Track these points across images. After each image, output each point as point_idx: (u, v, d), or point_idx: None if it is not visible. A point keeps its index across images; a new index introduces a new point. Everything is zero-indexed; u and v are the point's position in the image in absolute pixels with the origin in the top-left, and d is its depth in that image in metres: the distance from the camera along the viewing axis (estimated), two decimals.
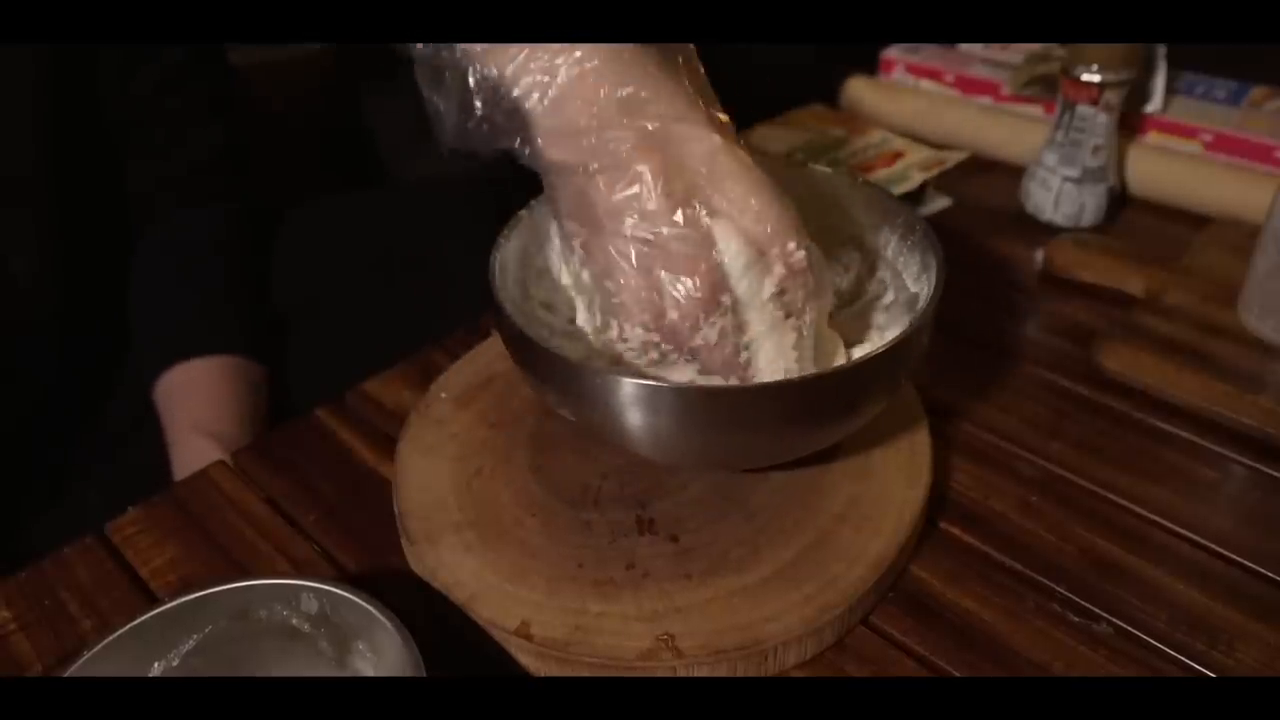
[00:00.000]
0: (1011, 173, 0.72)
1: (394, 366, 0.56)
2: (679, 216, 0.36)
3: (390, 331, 0.61)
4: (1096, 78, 0.62)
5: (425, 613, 0.39)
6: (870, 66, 0.84)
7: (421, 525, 0.43)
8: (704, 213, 0.36)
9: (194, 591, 0.35)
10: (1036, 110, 0.76)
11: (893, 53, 0.83)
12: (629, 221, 0.36)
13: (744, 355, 0.38)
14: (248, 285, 0.71)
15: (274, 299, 0.72)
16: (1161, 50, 0.69)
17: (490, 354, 0.53)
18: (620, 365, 0.40)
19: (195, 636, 0.35)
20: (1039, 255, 0.65)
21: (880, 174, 0.68)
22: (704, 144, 0.36)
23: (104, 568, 0.45)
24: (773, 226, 0.37)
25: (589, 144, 0.35)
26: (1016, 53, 0.79)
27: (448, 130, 0.37)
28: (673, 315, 0.37)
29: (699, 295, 0.36)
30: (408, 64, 0.38)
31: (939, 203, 0.70)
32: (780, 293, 0.37)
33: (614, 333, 0.39)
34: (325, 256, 0.75)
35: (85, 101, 0.64)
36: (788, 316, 0.38)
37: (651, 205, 0.35)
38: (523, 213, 0.45)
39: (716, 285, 0.36)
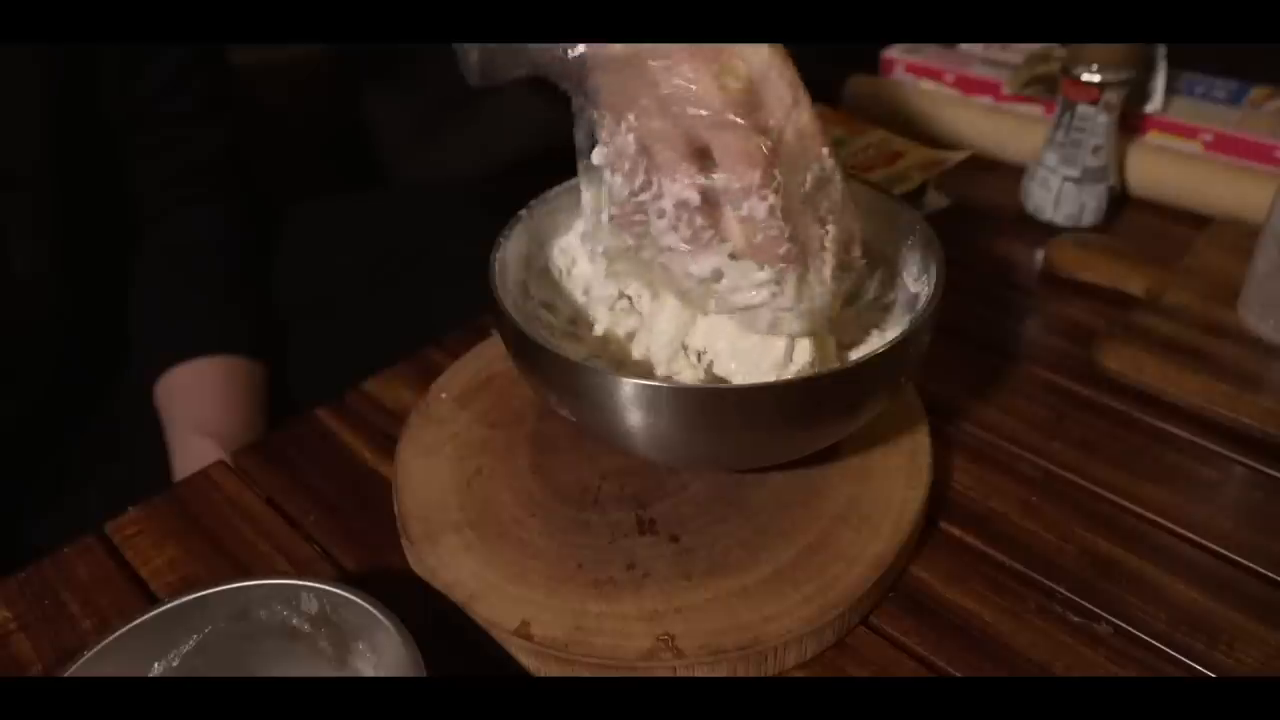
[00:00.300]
0: (1011, 173, 0.72)
1: (394, 366, 0.56)
2: (733, 92, 0.36)
3: (390, 331, 0.61)
4: (1096, 78, 0.62)
5: (425, 613, 0.39)
6: (870, 66, 0.84)
7: (421, 525, 0.43)
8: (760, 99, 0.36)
9: (194, 591, 0.35)
10: (1036, 110, 0.75)
11: (893, 53, 0.83)
12: (687, 98, 0.36)
13: (785, 248, 0.37)
14: (248, 285, 0.71)
15: (274, 299, 0.73)
16: (1161, 50, 0.69)
17: (490, 354, 0.53)
18: (643, 242, 0.39)
19: (195, 636, 0.35)
20: (1039, 255, 0.65)
21: (880, 174, 0.68)
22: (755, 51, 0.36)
23: (104, 568, 0.45)
24: (812, 131, 0.37)
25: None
26: (1016, 53, 0.79)
27: (475, 65, 0.37)
28: (723, 175, 0.36)
29: (759, 158, 0.36)
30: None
31: (939, 203, 0.70)
32: (815, 192, 0.38)
33: (650, 192, 0.37)
34: (325, 256, 0.75)
35: (88, 101, 0.64)
36: (823, 225, 0.38)
37: (704, 88, 0.35)
38: (522, 213, 0.45)
39: (772, 158, 0.36)
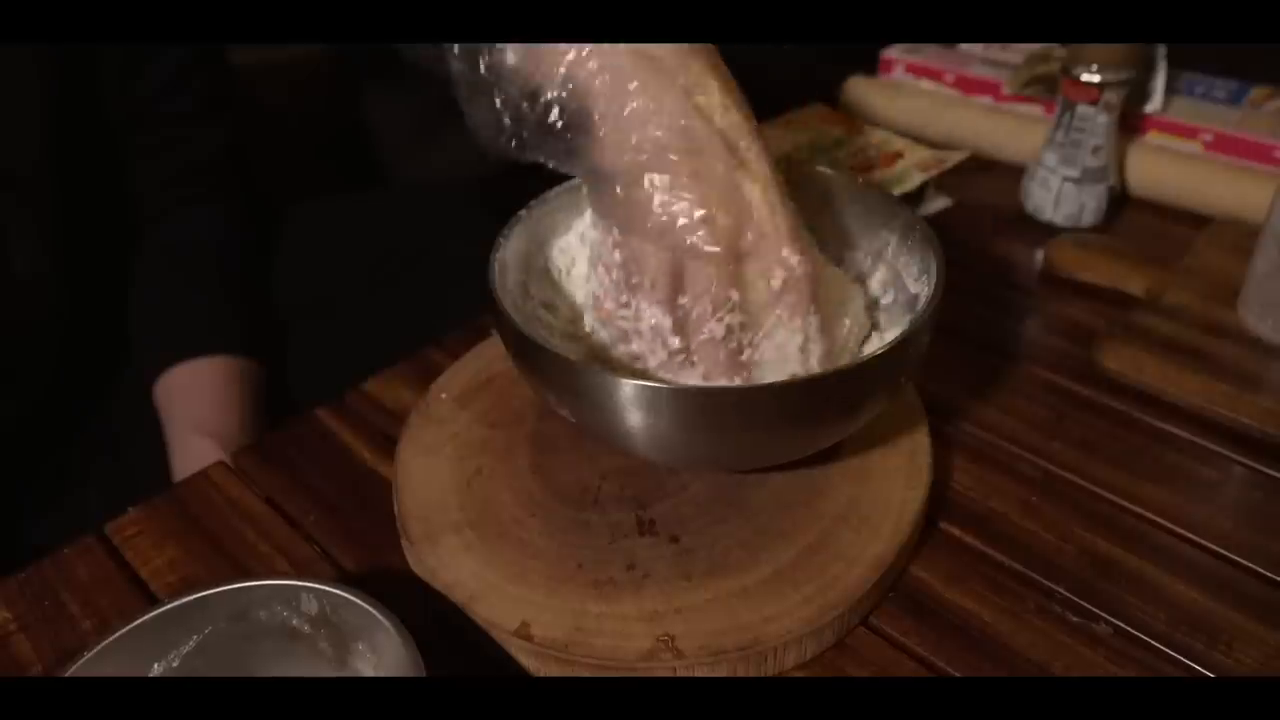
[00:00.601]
0: (1011, 173, 0.72)
1: (394, 366, 0.56)
2: (706, 217, 0.37)
3: (390, 331, 0.61)
4: (1096, 78, 0.62)
5: (425, 613, 0.39)
6: (870, 66, 0.84)
7: (421, 525, 0.43)
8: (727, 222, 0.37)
9: (194, 592, 0.35)
10: (1036, 110, 0.75)
11: (893, 53, 0.83)
12: (662, 226, 0.37)
13: (746, 354, 0.39)
14: (248, 285, 0.71)
15: (274, 299, 0.73)
16: (1161, 50, 0.69)
17: (490, 354, 0.53)
18: (633, 362, 0.41)
19: (195, 636, 0.35)
20: (1039, 255, 0.65)
21: (880, 174, 0.68)
22: (726, 163, 0.37)
23: (104, 568, 0.45)
24: (777, 231, 0.38)
25: (640, 147, 0.37)
26: (1016, 53, 0.79)
27: (485, 142, 0.39)
28: (687, 300, 0.38)
29: (714, 287, 0.38)
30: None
31: (939, 203, 0.70)
32: (781, 295, 0.38)
33: (631, 310, 0.40)
34: (325, 256, 0.75)
35: (88, 101, 0.64)
36: (790, 318, 0.39)
37: (685, 217, 0.37)
38: (522, 213, 0.45)
39: (726, 281, 0.38)
